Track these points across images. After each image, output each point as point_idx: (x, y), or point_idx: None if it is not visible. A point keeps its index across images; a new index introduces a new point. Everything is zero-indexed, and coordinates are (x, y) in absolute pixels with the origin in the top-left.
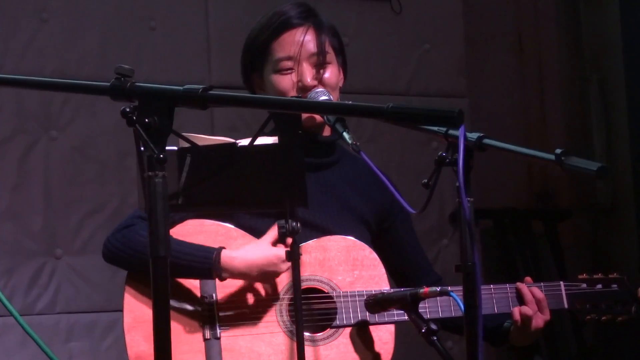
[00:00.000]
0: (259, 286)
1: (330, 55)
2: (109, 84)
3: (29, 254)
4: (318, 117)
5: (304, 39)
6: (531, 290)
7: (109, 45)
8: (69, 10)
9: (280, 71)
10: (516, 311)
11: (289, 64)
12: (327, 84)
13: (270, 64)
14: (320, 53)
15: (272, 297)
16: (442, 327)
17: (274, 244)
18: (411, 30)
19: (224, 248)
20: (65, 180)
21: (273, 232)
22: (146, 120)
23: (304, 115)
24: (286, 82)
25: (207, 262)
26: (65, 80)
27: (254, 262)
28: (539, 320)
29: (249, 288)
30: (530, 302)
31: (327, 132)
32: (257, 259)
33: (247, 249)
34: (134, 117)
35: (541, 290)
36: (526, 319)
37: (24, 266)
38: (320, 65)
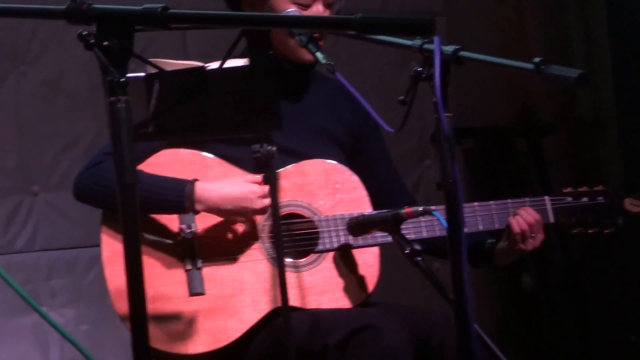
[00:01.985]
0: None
1: None
2: (64, 7)
3: (5, 191)
4: (291, 39)
5: None
6: (521, 213)
7: None
8: None
9: (299, 5)
10: (514, 223)
11: (309, 0)
12: None
13: None
14: None
15: (253, 224)
16: (427, 251)
17: (253, 180)
18: None
19: (197, 180)
20: (37, 116)
21: (252, 175)
22: (105, 43)
23: (298, 50)
24: None
25: (180, 195)
26: (18, 6)
27: (228, 195)
28: (537, 240)
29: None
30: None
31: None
32: (232, 193)
33: (223, 183)
34: (92, 41)
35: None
36: (524, 233)
37: (0, 205)
38: (328, 4)
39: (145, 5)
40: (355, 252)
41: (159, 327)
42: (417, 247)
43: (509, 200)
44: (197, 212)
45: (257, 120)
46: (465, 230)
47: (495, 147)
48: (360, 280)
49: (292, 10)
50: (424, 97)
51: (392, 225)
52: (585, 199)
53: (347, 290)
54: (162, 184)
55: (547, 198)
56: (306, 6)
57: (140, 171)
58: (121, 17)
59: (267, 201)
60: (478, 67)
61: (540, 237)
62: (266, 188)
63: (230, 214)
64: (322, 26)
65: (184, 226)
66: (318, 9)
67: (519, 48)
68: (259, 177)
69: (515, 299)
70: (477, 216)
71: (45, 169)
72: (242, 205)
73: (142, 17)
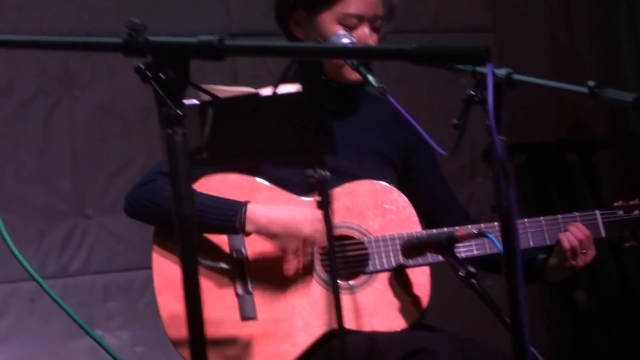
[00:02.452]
0: None
1: (385, 21)
2: (121, 40)
3: (59, 215)
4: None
5: (376, 0)
6: (571, 230)
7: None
8: None
9: (345, 26)
10: (564, 239)
11: (355, 21)
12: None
13: (336, 14)
14: (384, 17)
15: (303, 247)
16: (479, 266)
17: (305, 203)
18: None
19: (249, 202)
20: (90, 139)
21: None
22: (161, 75)
23: (346, 69)
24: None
25: (231, 214)
26: (76, 39)
27: (279, 218)
28: (588, 256)
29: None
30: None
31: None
32: (283, 216)
33: (275, 206)
34: (149, 73)
35: (578, 222)
36: (574, 250)
37: (55, 228)
38: (378, 28)
39: (200, 37)
40: (405, 271)
41: (213, 352)
42: (472, 269)
43: (559, 216)
44: (247, 234)
45: (310, 145)
46: None
47: (546, 162)
48: (412, 301)
49: (342, 33)
50: (476, 115)
51: (446, 247)
52: (636, 212)
53: (400, 310)
54: (213, 203)
55: (597, 212)
56: (352, 27)
57: (193, 190)
58: (177, 50)
59: (317, 226)
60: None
61: (591, 253)
62: (317, 213)
63: (280, 237)
64: (377, 56)
65: (234, 249)
66: (364, 32)
67: (569, 63)
68: (312, 201)
69: (569, 316)
70: (528, 232)
71: (99, 192)
72: (293, 229)
73: (199, 49)
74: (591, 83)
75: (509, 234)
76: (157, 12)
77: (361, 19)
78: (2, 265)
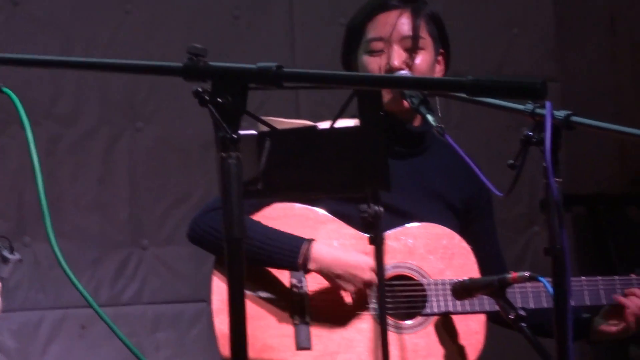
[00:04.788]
0: None
1: (425, 41)
2: (181, 64)
3: (116, 244)
4: (404, 102)
5: (397, 21)
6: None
7: (193, 35)
8: (152, 1)
9: (371, 52)
10: (630, 305)
11: (379, 45)
12: (416, 70)
13: (363, 44)
14: (413, 37)
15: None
16: (532, 326)
17: (366, 250)
18: (500, 14)
19: (314, 240)
20: (150, 171)
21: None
22: (219, 100)
23: (389, 99)
24: (374, 64)
25: (295, 251)
26: (137, 62)
27: (341, 261)
28: None
29: None
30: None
31: (417, 122)
32: (345, 259)
33: (339, 249)
34: (207, 97)
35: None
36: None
37: (110, 257)
38: (412, 49)
39: (260, 64)
40: (461, 318)
41: None
42: (522, 312)
43: (617, 277)
44: (308, 271)
45: (365, 180)
46: (572, 303)
47: (606, 215)
48: (465, 347)
49: (404, 72)
50: (534, 162)
51: (498, 289)
52: None
53: (451, 357)
54: (279, 237)
55: None
56: (379, 52)
57: (258, 223)
58: (236, 75)
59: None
60: (590, 135)
61: None
62: None
63: (340, 279)
64: (434, 87)
65: (295, 281)
66: (393, 52)
67: (633, 115)
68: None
69: None
70: (584, 290)
71: (156, 224)
72: (353, 273)
73: (257, 75)
74: None
75: (561, 276)
76: (224, 51)
77: (385, 41)
78: (55, 290)
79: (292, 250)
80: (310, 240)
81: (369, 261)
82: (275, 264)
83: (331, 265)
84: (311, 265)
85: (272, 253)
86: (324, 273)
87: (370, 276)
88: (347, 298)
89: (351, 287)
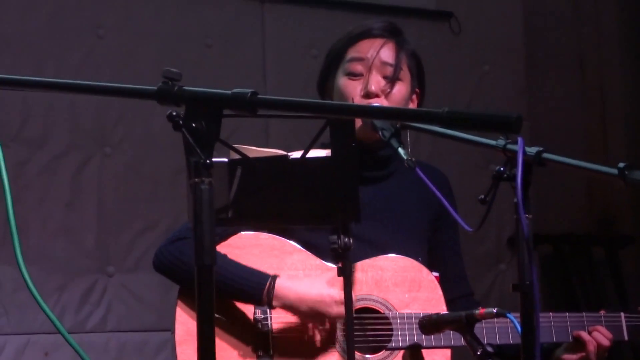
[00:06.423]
0: None
1: (404, 74)
2: (155, 88)
3: (81, 271)
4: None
5: (381, 47)
6: (595, 335)
7: (165, 61)
8: (124, 26)
9: (350, 74)
10: (589, 342)
11: (359, 67)
12: (392, 100)
13: (342, 66)
14: (395, 65)
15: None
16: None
17: (331, 282)
18: (471, 51)
19: (278, 276)
20: (118, 197)
21: (333, 273)
22: (193, 124)
23: (360, 126)
24: (352, 87)
25: (259, 288)
26: (110, 85)
27: (306, 297)
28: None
29: None
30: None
31: (383, 146)
32: (310, 295)
33: (303, 282)
34: (181, 122)
35: (603, 326)
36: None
37: (76, 283)
38: (392, 78)
39: (235, 90)
40: (426, 352)
41: None
42: (490, 348)
43: (584, 314)
44: (272, 308)
45: (335, 211)
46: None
47: (572, 255)
48: None
49: (377, 103)
50: (504, 198)
51: (465, 325)
52: None
53: None
54: (243, 273)
55: (622, 314)
56: (358, 75)
57: (225, 256)
58: (210, 100)
59: (343, 308)
60: (558, 175)
61: (606, 354)
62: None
63: (305, 316)
64: (409, 118)
65: (259, 314)
66: (372, 77)
67: (602, 154)
68: (334, 268)
69: None
70: (552, 327)
71: (122, 251)
72: (318, 309)
73: (231, 100)
74: (621, 164)
75: (529, 313)
76: (195, 78)
77: (365, 63)
78: (19, 316)
79: (255, 288)
80: (274, 277)
81: (334, 294)
82: (239, 299)
83: (295, 301)
84: (275, 303)
85: (235, 289)
86: (288, 310)
87: (336, 311)
88: (313, 333)
89: (316, 323)
